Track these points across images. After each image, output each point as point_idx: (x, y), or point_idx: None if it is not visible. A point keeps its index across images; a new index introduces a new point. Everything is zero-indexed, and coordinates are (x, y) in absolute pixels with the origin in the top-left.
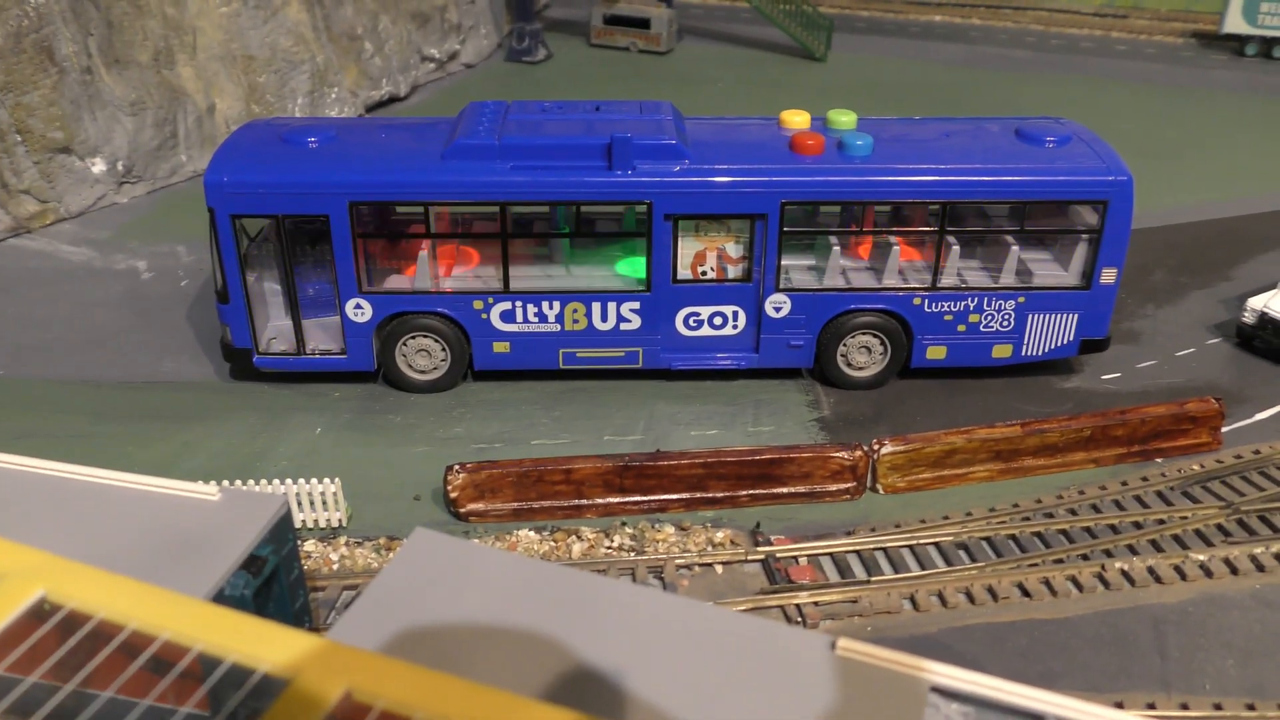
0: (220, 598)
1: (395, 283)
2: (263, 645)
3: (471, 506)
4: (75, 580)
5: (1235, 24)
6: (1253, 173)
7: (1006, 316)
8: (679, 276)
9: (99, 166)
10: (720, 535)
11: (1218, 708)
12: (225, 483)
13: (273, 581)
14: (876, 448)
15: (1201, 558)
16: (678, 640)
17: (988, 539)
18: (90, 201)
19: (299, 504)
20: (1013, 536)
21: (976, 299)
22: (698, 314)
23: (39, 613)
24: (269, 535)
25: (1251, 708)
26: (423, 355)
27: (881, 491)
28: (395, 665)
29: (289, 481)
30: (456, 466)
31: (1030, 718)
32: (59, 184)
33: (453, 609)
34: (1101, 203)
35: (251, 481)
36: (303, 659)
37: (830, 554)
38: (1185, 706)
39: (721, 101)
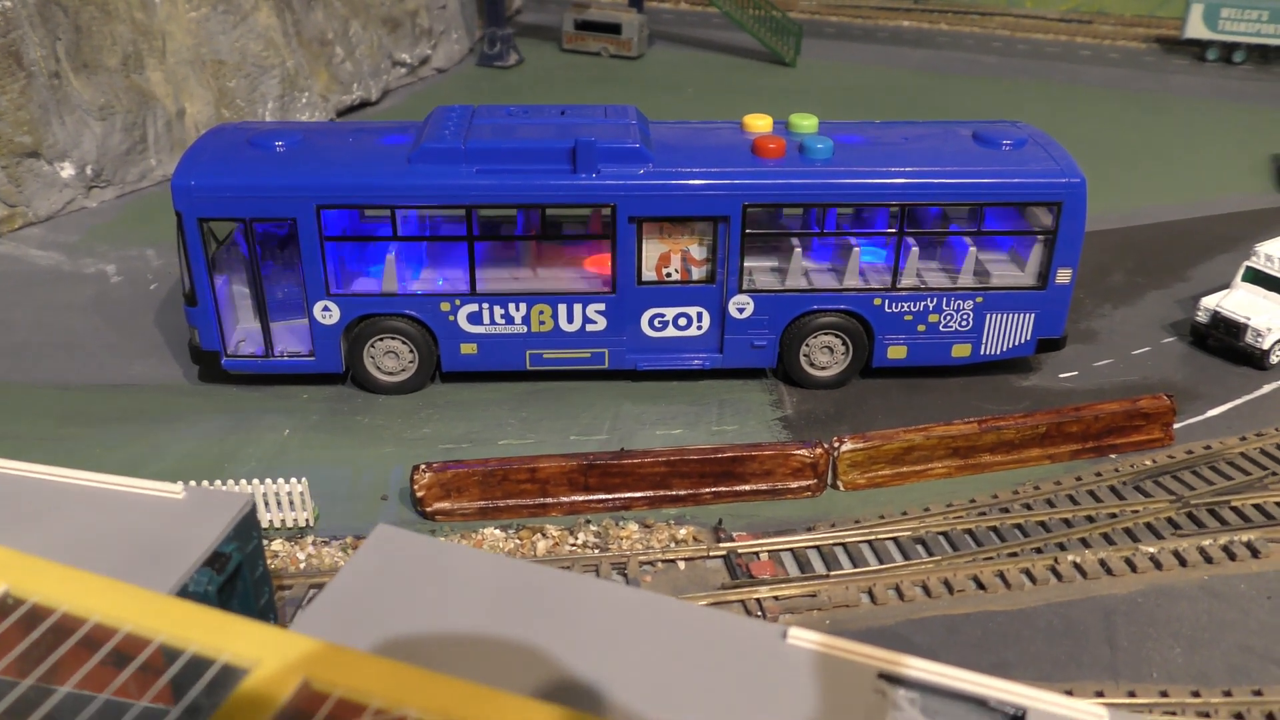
0: (184, 594)
1: (363, 285)
2: (223, 637)
3: (438, 505)
4: (38, 575)
5: (1196, 29)
6: (1210, 176)
7: (965, 316)
8: (644, 278)
9: (68, 171)
10: (683, 532)
11: (1164, 695)
12: (192, 483)
13: (236, 578)
14: (837, 445)
15: (1151, 550)
16: (633, 631)
17: (944, 533)
18: (59, 206)
19: (266, 504)
20: (969, 531)
21: (936, 299)
22: (662, 315)
23: (1, 607)
24: (233, 533)
25: (1196, 695)
26: (390, 357)
27: (842, 488)
28: (353, 655)
29: (256, 481)
30: (423, 466)
31: (973, 701)
32: (27, 188)
33: (413, 603)
34: (1056, 204)
35: (219, 482)
36: (262, 650)
37: (791, 549)
38: (1133, 694)
39: (692, 106)
